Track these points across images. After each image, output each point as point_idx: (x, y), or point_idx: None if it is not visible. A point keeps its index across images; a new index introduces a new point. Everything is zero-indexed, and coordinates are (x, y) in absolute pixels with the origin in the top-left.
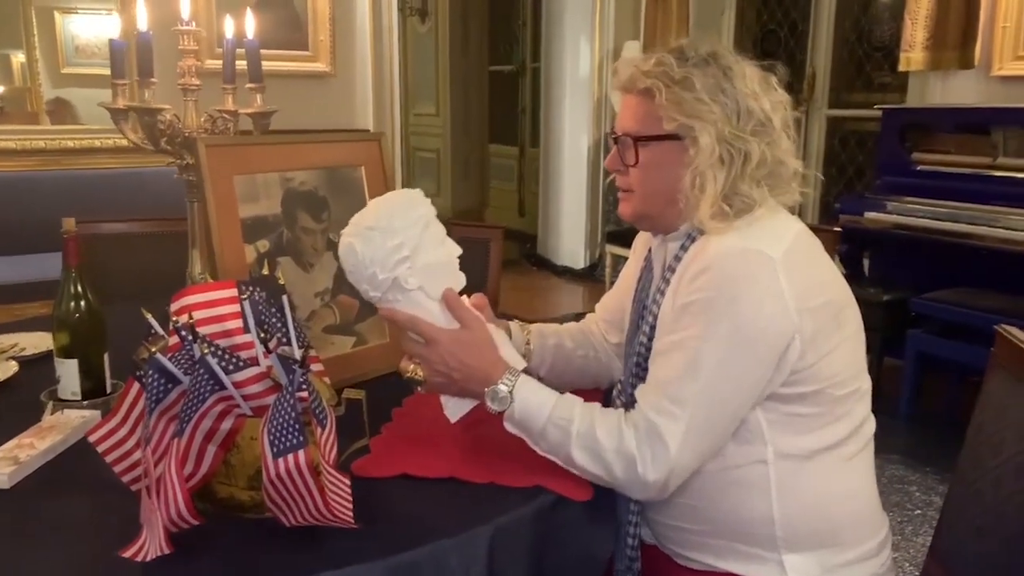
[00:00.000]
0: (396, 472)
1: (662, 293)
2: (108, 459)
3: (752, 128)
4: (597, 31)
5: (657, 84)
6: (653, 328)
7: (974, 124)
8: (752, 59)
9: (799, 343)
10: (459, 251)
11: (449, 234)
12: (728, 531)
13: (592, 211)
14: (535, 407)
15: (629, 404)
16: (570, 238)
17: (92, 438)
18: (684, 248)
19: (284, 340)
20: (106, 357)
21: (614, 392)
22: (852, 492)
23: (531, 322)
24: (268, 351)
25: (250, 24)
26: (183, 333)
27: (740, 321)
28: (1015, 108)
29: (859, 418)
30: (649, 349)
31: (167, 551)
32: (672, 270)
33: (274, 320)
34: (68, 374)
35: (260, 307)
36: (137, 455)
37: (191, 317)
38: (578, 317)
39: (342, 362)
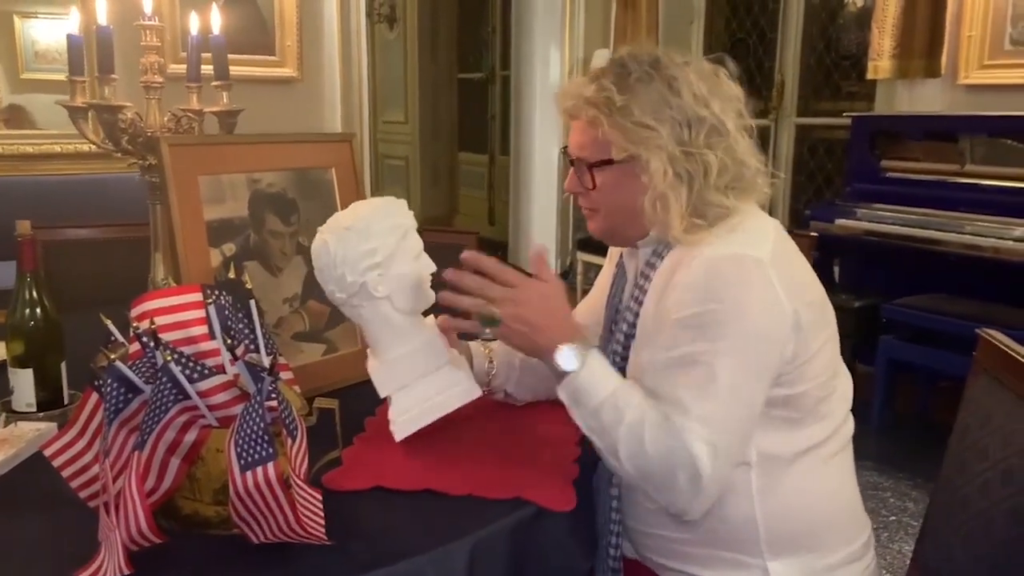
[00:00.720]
0: (370, 485)
1: (636, 300)
2: (64, 474)
3: (705, 138)
4: (567, 39)
5: (598, 116)
6: (628, 336)
7: (942, 132)
8: (700, 56)
9: (792, 344)
10: (433, 268)
11: (422, 238)
12: (711, 537)
13: (563, 219)
14: (600, 380)
15: None
16: None
17: (47, 452)
18: (657, 255)
19: (252, 347)
20: (63, 367)
21: None
22: (833, 492)
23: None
24: (235, 358)
25: (216, 20)
26: (144, 339)
27: (746, 328)
28: (982, 116)
29: (839, 418)
30: (624, 357)
31: (127, 572)
32: (646, 276)
33: (241, 326)
34: (22, 384)
35: (226, 312)
36: (95, 470)
37: (153, 323)
38: None
39: (312, 370)
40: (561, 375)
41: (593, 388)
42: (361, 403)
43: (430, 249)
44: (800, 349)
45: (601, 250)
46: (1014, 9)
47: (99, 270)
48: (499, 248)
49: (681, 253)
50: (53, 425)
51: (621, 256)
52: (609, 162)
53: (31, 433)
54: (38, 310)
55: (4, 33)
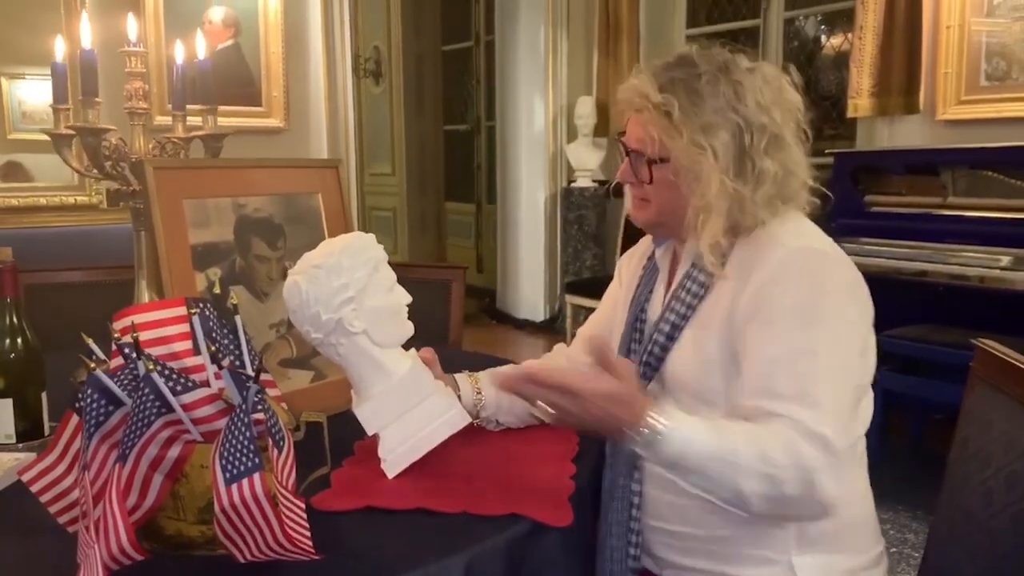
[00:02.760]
0: (361, 505)
1: (689, 290)
2: (43, 499)
3: (766, 146)
4: (550, 88)
5: (663, 120)
6: (675, 326)
7: (923, 165)
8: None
9: (868, 333)
10: (408, 299)
11: (410, 275)
12: (742, 534)
13: (551, 263)
14: (692, 443)
15: None
16: (529, 291)
17: (25, 477)
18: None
19: (237, 364)
20: (44, 397)
21: None
22: (860, 495)
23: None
24: (220, 367)
25: (201, 45)
26: (126, 351)
27: (845, 311)
28: (963, 148)
29: (865, 419)
30: (665, 348)
31: None
32: (700, 269)
33: (226, 342)
34: (2, 415)
35: (211, 323)
36: (75, 494)
37: (134, 327)
38: None
39: (299, 397)
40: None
41: (687, 450)
42: (349, 430)
43: (419, 285)
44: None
45: (590, 293)
46: (988, 46)
47: (83, 314)
48: (487, 295)
49: (753, 247)
50: (33, 456)
51: (650, 259)
52: (668, 161)
53: (10, 462)
54: (19, 339)
55: None
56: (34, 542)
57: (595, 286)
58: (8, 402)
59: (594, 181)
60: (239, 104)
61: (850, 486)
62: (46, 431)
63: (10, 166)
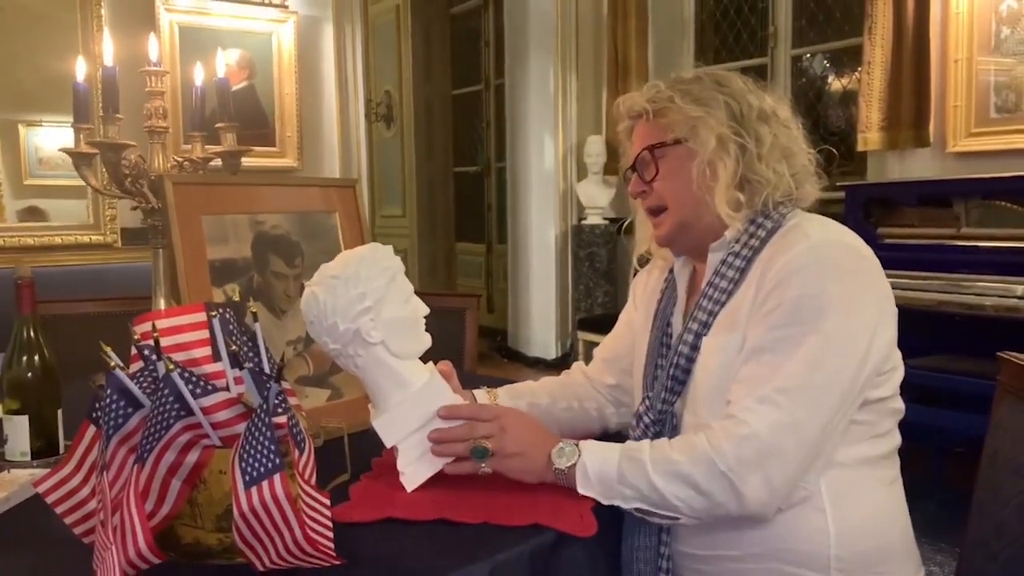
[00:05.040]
0: (380, 516)
1: (711, 299)
2: (59, 510)
3: (757, 117)
4: (560, 128)
5: (654, 106)
6: (698, 336)
7: (936, 197)
8: None
9: (886, 343)
10: (426, 310)
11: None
12: (775, 551)
13: (562, 301)
14: (603, 450)
15: (654, 424)
16: (541, 329)
17: (41, 488)
18: (736, 254)
19: (257, 370)
20: (60, 414)
21: (634, 422)
22: (901, 517)
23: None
24: (240, 368)
25: (220, 63)
26: (146, 352)
27: (848, 316)
28: (976, 178)
29: (896, 442)
30: (690, 359)
31: None
32: (723, 275)
33: (246, 349)
34: (17, 432)
35: (231, 326)
36: (92, 505)
37: (155, 329)
38: None
39: (316, 415)
40: (572, 475)
41: (604, 460)
42: (366, 448)
43: (434, 313)
44: (892, 351)
45: (601, 329)
46: (997, 79)
47: (95, 344)
48: (498, 334)
49: (777, 246)
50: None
51: (670, 273)
52: (664, 144)
53: (25, 477)
54: (36, 356)
55: (9, 141)
56: (50, 554)
57: (607, 322)
58: (24, 419)
59: (604, 219)
60: (253, 144)
61: (888, 507)
62: (61, 449)
63: (28, 211)
